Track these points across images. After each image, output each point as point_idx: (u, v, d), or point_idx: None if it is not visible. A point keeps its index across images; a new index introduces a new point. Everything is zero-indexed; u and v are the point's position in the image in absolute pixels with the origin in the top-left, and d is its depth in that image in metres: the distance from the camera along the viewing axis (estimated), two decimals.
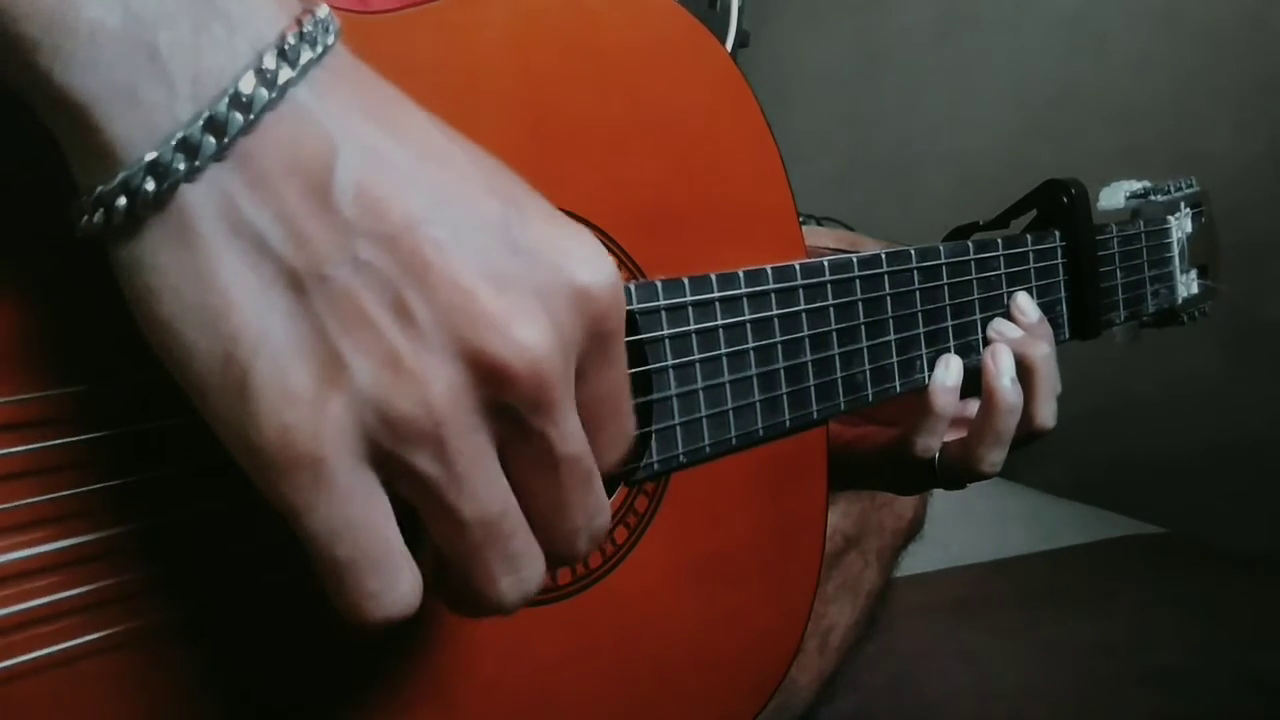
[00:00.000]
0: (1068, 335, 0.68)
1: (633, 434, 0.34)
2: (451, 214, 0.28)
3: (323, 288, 0.27)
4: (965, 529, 1.35)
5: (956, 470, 0.59)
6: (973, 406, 0.60)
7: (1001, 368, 0.58)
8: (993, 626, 1.12)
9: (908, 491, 0.70)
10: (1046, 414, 0.60)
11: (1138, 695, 0.99)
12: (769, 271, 0.50)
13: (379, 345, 0.27)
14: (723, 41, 0.70)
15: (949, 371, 0.58)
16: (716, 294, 0.47)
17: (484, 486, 0.29)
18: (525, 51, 0.43)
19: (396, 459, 0.28)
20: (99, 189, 0.26)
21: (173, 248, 0.27)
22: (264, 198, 0.27)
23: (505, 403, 0.29)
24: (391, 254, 0.27)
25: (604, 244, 0.46)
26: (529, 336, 0.28)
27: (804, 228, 0.55)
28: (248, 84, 0.26)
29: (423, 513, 0.29)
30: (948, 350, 0.59)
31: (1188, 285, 0.78)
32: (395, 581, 0.29)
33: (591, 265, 0.30)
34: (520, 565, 0.31)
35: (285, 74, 0.27)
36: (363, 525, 0.28)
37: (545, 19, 0.44)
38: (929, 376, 0.58)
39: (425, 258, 0.27)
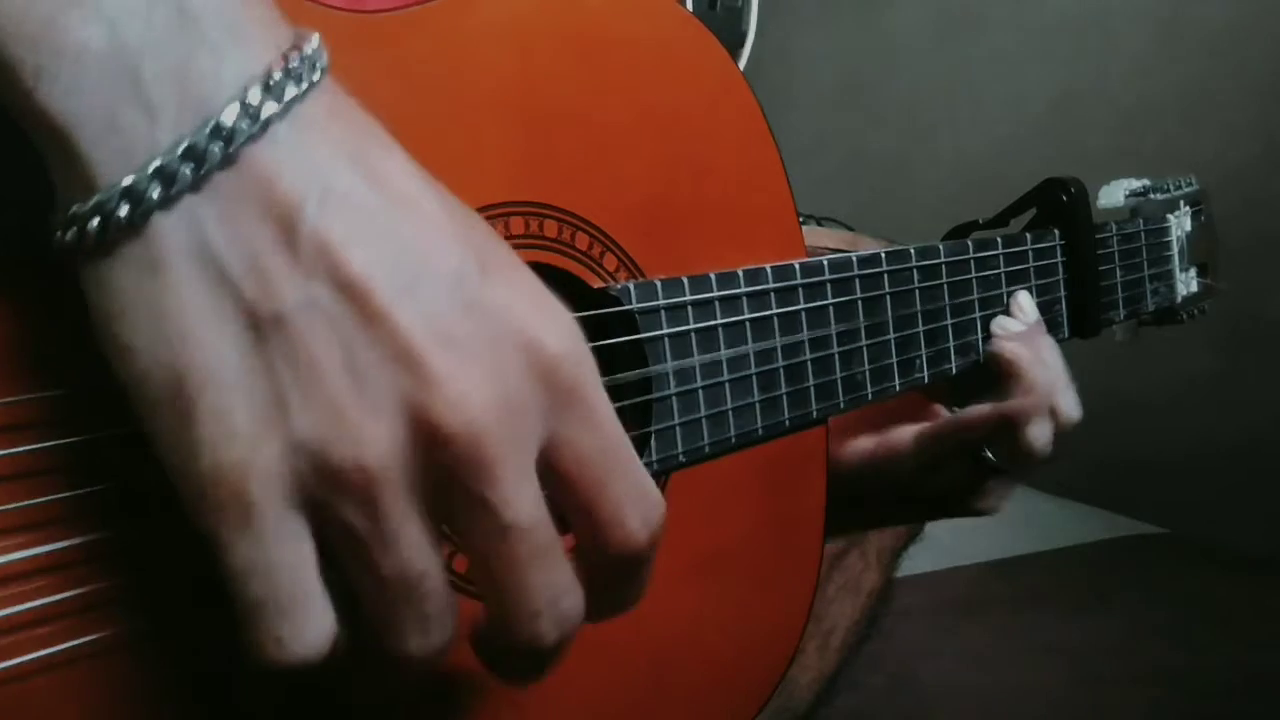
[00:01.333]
0: (1067, 334, 0.68)
1: (656, 494, 0.33)
2: (409, 265, 0.28)
3: (278, 329, 0.27)
4: (965, 529, 1.35)
5: (1011, 457, 0.60)
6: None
7: (1025, 356, 0.59)
8: (993, 626, 1.12)
9: (929, 511, 0.69)
10: (1068, 405, 0.60)
11: (1137, 695, 0.99)
12: (768, 271, 0.50)
13: (323, 393, 0.27)
14: (742, 40, 0.70)
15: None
16: (716, 293, 0.47)
17: (407, 546, 0.28)
18: (524, 51, 0.43)
19: (325, 507, 0.28)
20: (74, 208, 0.26)
21: (138, 274, 0.27)
22: (233, 233, 0.27)
23: (443, 464, 0.28)
24: (346, 302, 0.27)
25: (603, 243, 0.46)
26: (466, 396, 0.28)
27: (804, 228, 0.55)
28: (230, 115, 0.26)
29: (343, 559, 0.29)
30: (947, 349, 0.59)
31: (1187, 283, 0.78)
32: (303, 627, 0.28)
33: (547, 322, 0.30)
34: (430, 630, 0.30)
35: (269, 108, 0.27)
36: (279, 568, 0.28)
37: (544, 18, 0.44)
38: (928, 376, 0.58)
39: (375, 308, 0.27)
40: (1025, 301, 0.62)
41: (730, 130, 0.51)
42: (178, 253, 0.27)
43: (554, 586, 0.31)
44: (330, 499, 0.28)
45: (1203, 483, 1.58)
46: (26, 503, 0.30)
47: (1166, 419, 1.62)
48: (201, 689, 0.33)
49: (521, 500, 0.29)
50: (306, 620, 0.28)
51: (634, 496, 0.32)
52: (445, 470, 0.28)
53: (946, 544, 1.18)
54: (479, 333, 0.29)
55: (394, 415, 0.28)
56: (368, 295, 0.27)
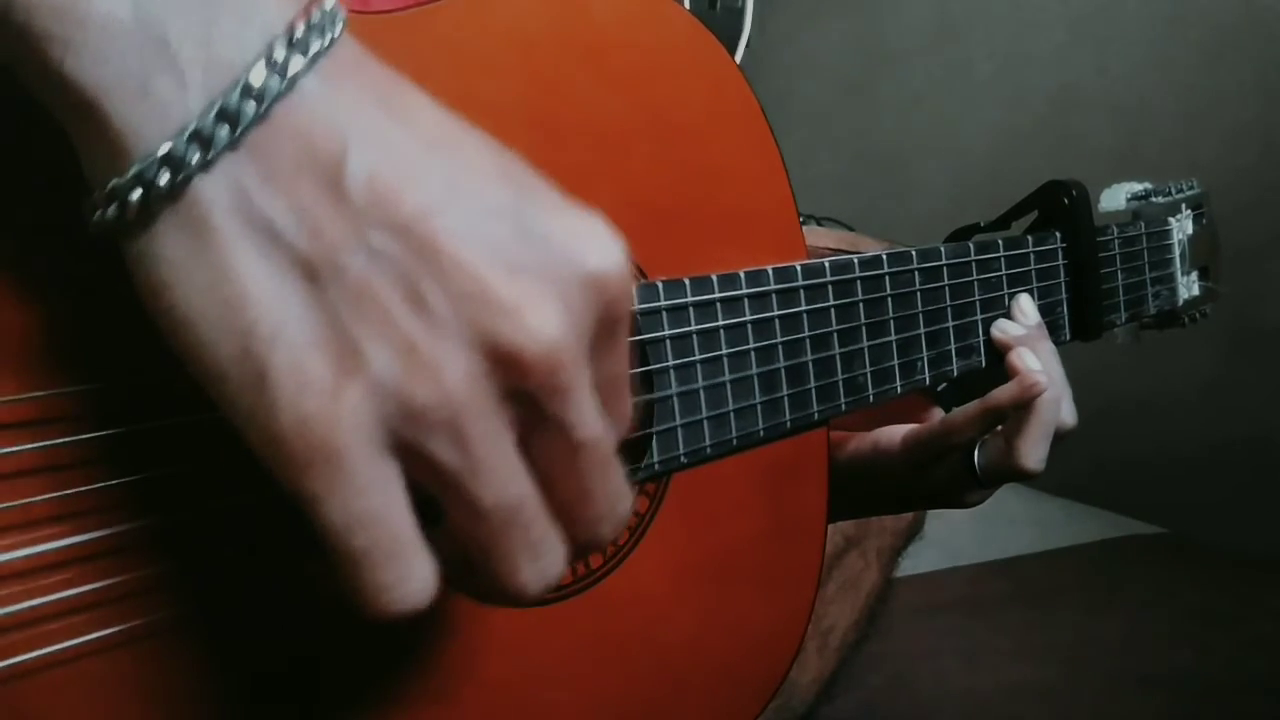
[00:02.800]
0: (1069, 336, 0.68)
1: (630, 415, 0.34)
2: (463, 202, 0.28)
3: (337, 278, 0.27)
4: (965, 529, 1.35)
5: (999, 472, 0.59)
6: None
7: (1032, 364, 0.58)
8: (993, 626, 1.12)
9: (926, 505, 0.69)
10: (1065, 412, 0.60)
11: (1138, 695, 0.99)
12: (770, 272, 0.50)
13: (395, 334, 0.27)
14: (737, 40, 0.70)
15: (1024, 358, 0.59)
16: (718, 295, 0.47)
17: (503, 473, 0.29)
18: (526, 52, 0.43)
19: (415, 447, 0.28)
20: (112, 183, 0.26)
21: (187, 240, 0.27)
22: (277, 189, 0.27)
23: (522, 389, 0.29)
24: (404, 243, 0.27)
25: None
26: (542, 323, 0.28)
27: (804, 228, 0.55)
28: (258, 75, 0.26)
29: (442, 501, 0.29)
30: (949, 351, 0.59)
31: (1189, 286, 0.78)
32: (410, 573, 0.28)
33: (603, 251, 0.30)
34: (541, 553, 0.30)
35: (295, 64, 0.27)
36: (379, 516, 0.28)
37: (546, 20, 0.44)
38: (929, 377, 0.58)
39: (438, 246, 0.27)
40: (1026, 304, 0.62)
41: (732, 131, 0.51)
42: (224, 214, 0.27)
43: (615, 490, 0.32)
44: (418, 438, 0.28)
45: (1203, 483, 1.58)
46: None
47: (1167, 419, 1.62)
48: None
49: (592, 418, 0.30)
50: (415, 566, 0.29)
51: (623, 416, 0.33)
52: (522, 395, 0.29)
53: (946, 544, 1.18)
54: (541, 261, 0.29)
55: (470, 347, 0.28)
56: (428, 235, 0.27)
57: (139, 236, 0.27)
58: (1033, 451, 0.58)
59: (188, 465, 0.33)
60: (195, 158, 0.26)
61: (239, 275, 0.26)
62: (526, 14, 0.43)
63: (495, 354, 0.28)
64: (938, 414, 0.63)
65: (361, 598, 0.28)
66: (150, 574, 0.32)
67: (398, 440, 0.28)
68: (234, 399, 0.27)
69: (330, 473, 0.27)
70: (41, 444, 0.30)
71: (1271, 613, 1.13)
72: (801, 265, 0.51)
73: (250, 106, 0.26)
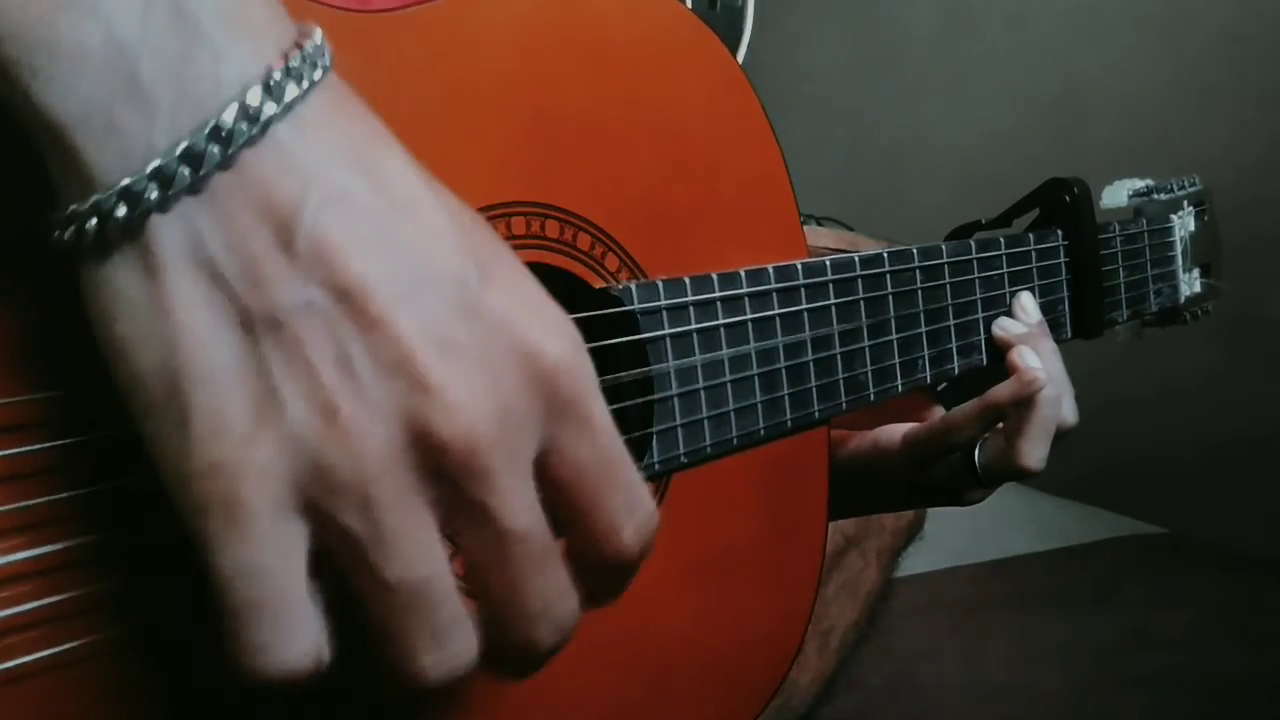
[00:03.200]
0: (1070, 334, 0.67)
1: (650, 505, 0.33)
2: (408, 270, 0.28)
3: (271, 330, 0.27)
4: (965, 529, 1.35)
5: (1000, 471, 0.59)
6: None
7: (1031, 362, 0.58)
8: (993, 626, 1.12)
9: (927, 503, 0.69)
10: (1066, 410, 0.60)
11: (1137, 695, 0.99)
12: (771, 271, 0.49)
13: (318, 393, 0.27)
14: (738, 38, 0.70)
15: (1025, 356, 0.58)
16: (718, 293, 0.47)
17: (410, 549, 0.28)
18: (526, 50, 0.43)
19: (322, 510, 0.28)
20: (72, 207, 0.26)
21: (135, 274, 0.27)
22: (229, 236, 0.27)
23: (442, 470, 0.28)
24: (341, 304, 0.27)
25: (605, 243, 0.46)
26: (461, 404, 0.28)
27: (804, 227, 0.55)
28: (229, 117, 0.26)
29: (346, 571, 0.29)
30: (950, 349, 0.59)
31: (1190, 284, 0.78)
32: (293, 637, 0.28)
33: (547, 331, 0.30)
34: (445, 640, 0.29)
35: (269, 109, 0.27)
36: (270, 571, 0.27)
37: (546, 17, 0.44)
38: (931, 376, 0.58)
39: (373, 314, 0.27)
40: (1028, 302, 0.62)
41: (732, 129, 0.51)
42: (174, 255, 0.27)
43: (551, 590, 0.31)
44: (326, 501, 0.27)
45: (1204, 483, 1.58)
46: (20, 505, 0.29)
47: (1167, 418, 1.62)
48: (191, 698, 0.33)
49: (519, 507, 0.29)
50: (293, 631, 0.28)
51: (629, 507, 0.32)
52: (443, 476, 0.28)
53: (946, 544, 1.18)
54: (478, 341, 0.29)
55: (391, 419, 0.27)
56: (366, 300, 0.27)
57: (92, 263, 0.27)
58: (1033, 450, 0.57)
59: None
60: (154, 195, 0.26)
61: (178, 315, 0.26)
62: (526, 12, 0.43)
63: (413, 429, 0.28)
64: (938, 413, 0.63)
65: (235, 654, 0.28)
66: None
67: (305, 501, 0.27)
68: (155, 434, 0.27)
69: (228, 520, 0.27)
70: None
71: (1271, 613, 1.13)
72: (802, 264, 0.51)
73: (216, 150, 0.26)
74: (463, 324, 0.28)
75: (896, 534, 0.94)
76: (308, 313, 0.27)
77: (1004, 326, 0.61)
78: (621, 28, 0.47)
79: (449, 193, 0.31)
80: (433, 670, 0.29)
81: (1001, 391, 0.58)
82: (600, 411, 0.31)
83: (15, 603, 0.30)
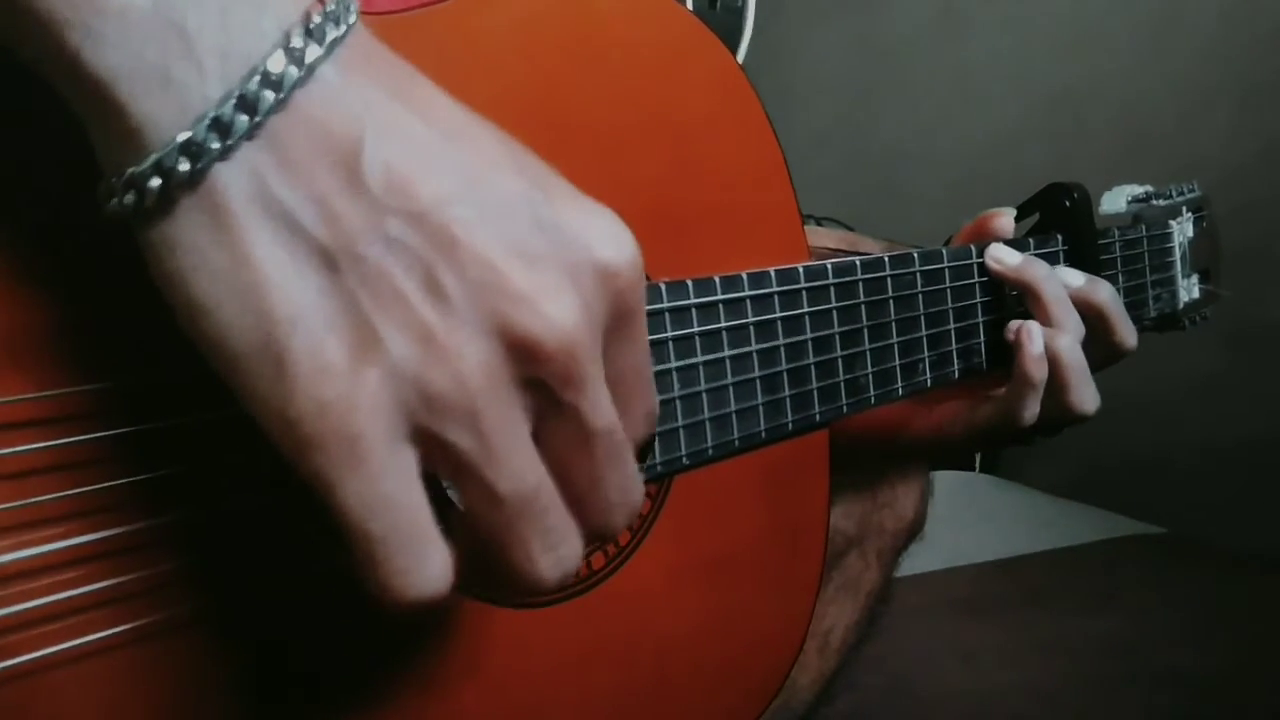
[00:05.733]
0: None
1: (656, 410, 0.34)
2: (478, 192, 0.28)
3: (355, 265, 0.27)
4: (965, 529, 1.35)
5: (1058, 425, 0.62)
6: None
7: (1034, 349, 0.59)
8: (993, 626, 1.12)
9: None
10: (1086, 398, 0.61)
11: (1137, 695, 0.99)
12: (772, 274, 0.50)
13: (412, 320, 0.27)
14: (738, 40, 0.71)
15: (1034, 340, 0.59)
16: (720, 296, 0.47)
17: (519, 460, 0.29)
18: (528, 52, 0.43)
19: (431, 434, 0.28)
20: (130, 170, 0.26)
21: (206, 227, 0.27)
22: (295, 177, 0.27)
23: (537, 378, 0.29)
24: (421, 232, 0.27)
25: None
26: (558, 312, 0.28)
27: (804, 228, 0.55)
28: (277, 63, 0.26)
29: (458, 489, 0.29)
30: (950, 353, 0.59)
31: (1189, 290, 0.78)
32: (426, 560, 0.28)
33: (615, 243, 0.30)
34: (557, 541, 0.30)
35: (313, 52, 0.27)
36: (396, 501, 0.28)
37: (548, 20, 0.44)
38: (931, 379, 0.58)
39: (454, 235, 0.28)
40: (1002, 252, 0.62)
41: (733, 131, 0.51)
42: (243, 201, 0.27)
43: (628, 480, 0.32)
44: (435, 425, 0.28)
45: (1203, 483, 1.58)
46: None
47: (1167, 419, 1.63)
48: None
49: (605, 407, 0.30)
50: (430, 553, 0.29)
51: (648, 411, 0.34)
52: (538, 383, 0.29)
53: (946, 544, 1.18)
54: (556, 251, 0.29)
55: (487, 335, 0.28)
56: (444, 223, 0.28)
57: (157, 224, 0.27)
58: (1081, 400, 0.60)
59: (198, 464, 0.33)
60: (215, 145, 0.26)
61: (258, 261, 0.27)
62: (529, 14, 0.43)
63: (511, 342, 0.28)
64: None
65: (378, 584, 0.28)
66: (158, 573, 0.32)
67: (414, 427, 0.28)
68: (252, 384, 0.27)
69: (347, 456, 0.27)
70: (53, 443, 0.30)
71: (1271, 613, 1.14)
72: (804, 267, 0.51)
73: (269, 94, 0.26)
74: (540, 237, 0.29)
75: (897, 534, 0.93)
76: (388, 244, 0.27)
77: (997, 256, 0.61)
78: (623, 31, 0.47)
79: (492, 123, 0.31)
80: (550, 572, 0.31)
81: (1024, 371, 0.60)
82: (644, 323, 0.32)
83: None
